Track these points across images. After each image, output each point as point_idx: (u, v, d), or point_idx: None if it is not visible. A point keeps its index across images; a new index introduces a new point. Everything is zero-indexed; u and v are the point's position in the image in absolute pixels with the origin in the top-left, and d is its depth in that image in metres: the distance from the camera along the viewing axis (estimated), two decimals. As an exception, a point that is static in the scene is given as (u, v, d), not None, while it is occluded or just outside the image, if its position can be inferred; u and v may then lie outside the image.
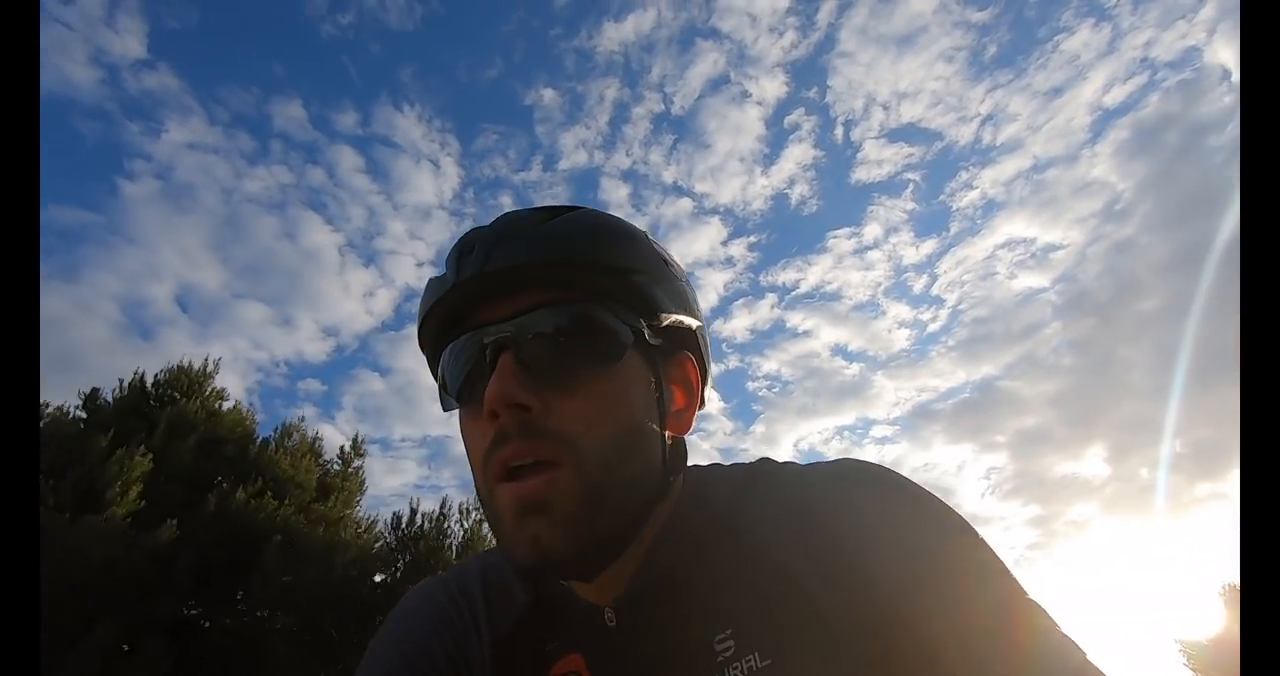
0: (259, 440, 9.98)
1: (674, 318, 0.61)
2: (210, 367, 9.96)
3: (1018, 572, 0.52)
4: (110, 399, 9.37)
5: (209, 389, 9.90)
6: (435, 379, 0.61)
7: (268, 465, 9.57)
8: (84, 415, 9.01)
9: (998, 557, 0.53)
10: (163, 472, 8.26)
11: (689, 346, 0.64)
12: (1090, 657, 0.46)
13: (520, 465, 0.52)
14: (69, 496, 7.17)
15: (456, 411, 0.60)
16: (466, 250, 0.56)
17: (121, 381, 9.51)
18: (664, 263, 0.62)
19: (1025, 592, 0.51)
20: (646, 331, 0.58)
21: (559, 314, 0.54)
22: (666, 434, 0.60)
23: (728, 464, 0.70)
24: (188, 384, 9.84)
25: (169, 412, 9.14)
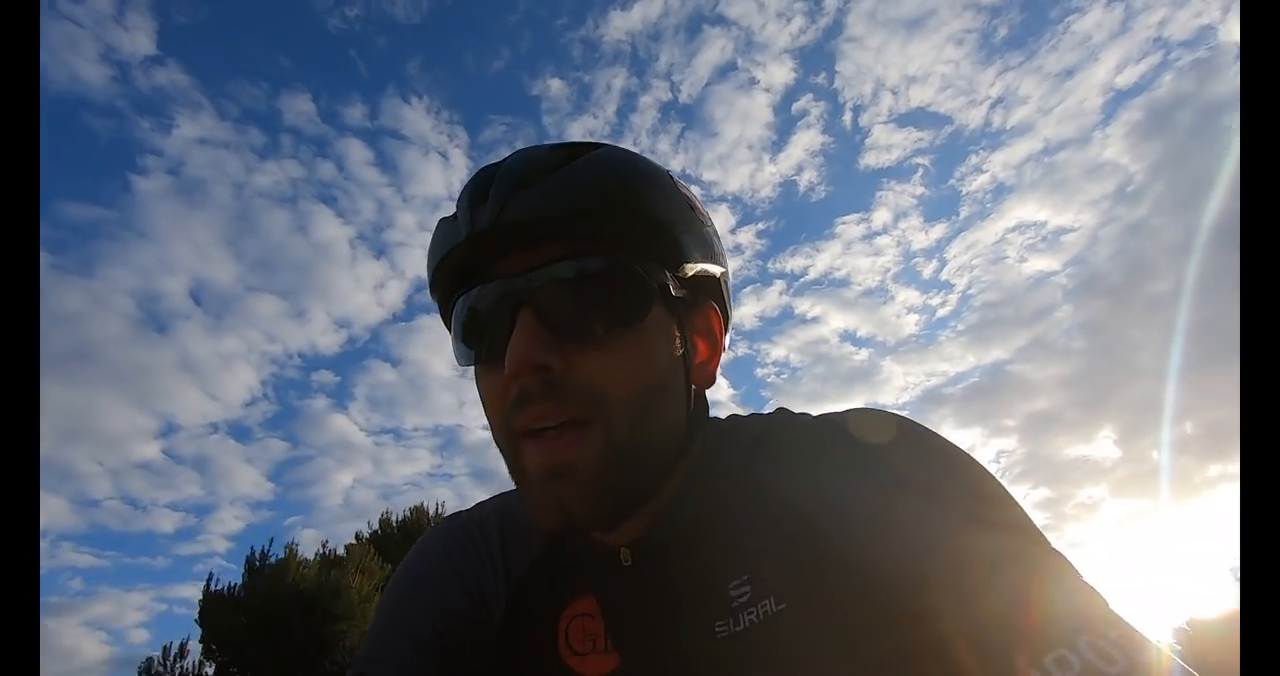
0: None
1: (699, 267, 0.58)
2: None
3: (1034, 517, 0.51)
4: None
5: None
6: (448, 327, 0.59)
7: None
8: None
9: (1014, 503, 0.52)
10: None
11: (713, 295, 0.62)
12: (1111, 609, 0.44)
13: (544, 427, 0.50)
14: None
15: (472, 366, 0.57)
16: (479, 197, 0.53)
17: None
18: (690, 208, 0.59)
19: (1044, 543, 0.49)
20: (672, 283, 0.56)
21: (581, 266, 0.52)
22: (692, 387, 0.58)
23: (745, 414, 0.69)
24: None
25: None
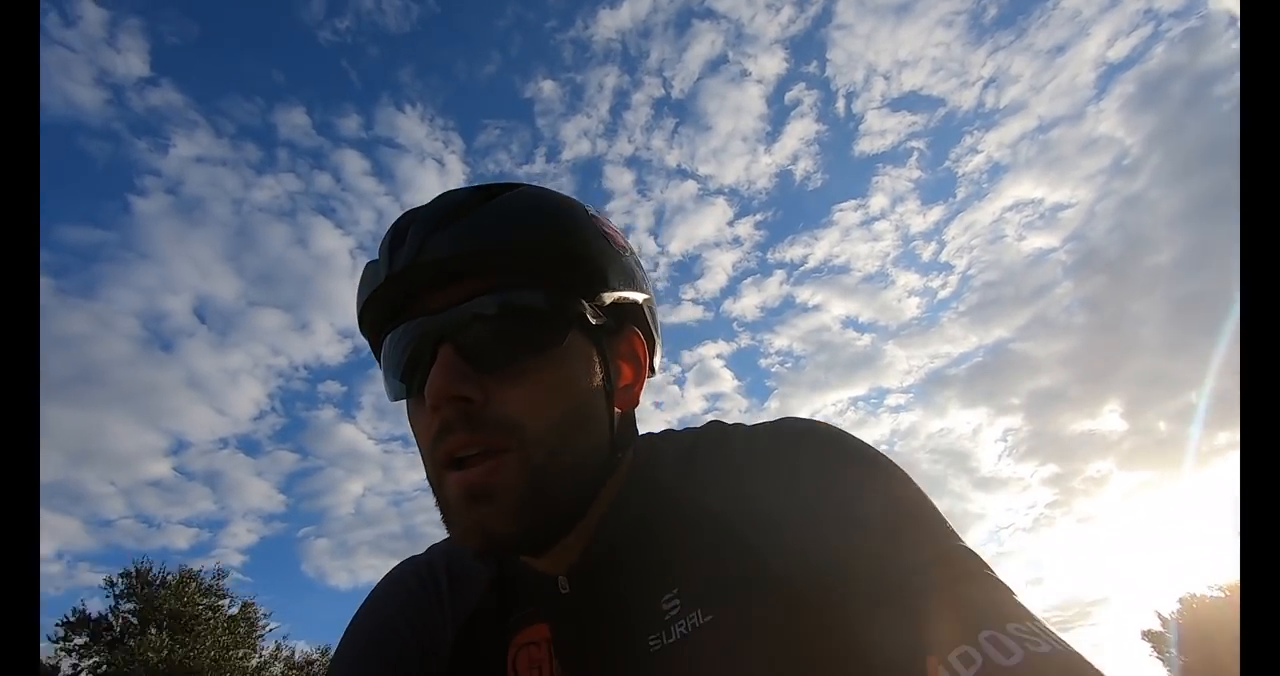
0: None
1: (618, 294, 0.60)
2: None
3: (960, 524, 0.53)
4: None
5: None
6: (379, 366, 0.61)
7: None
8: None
9: (933, 506, 0.54)
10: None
11: (635, 320, 0.64)
12: (1019, 603, 0.46)
13: (465, 455, 0.52)
14: None
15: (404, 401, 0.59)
16: (399, 239, 0.56)
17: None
18: (605, 239, 0.61)
19: (958, 538, 0.51)
20: (589, 311, 0.58)
21: (496, 302, 0.54)
22: (615, 411, 0.60)
23: (679, 430, 0.71)
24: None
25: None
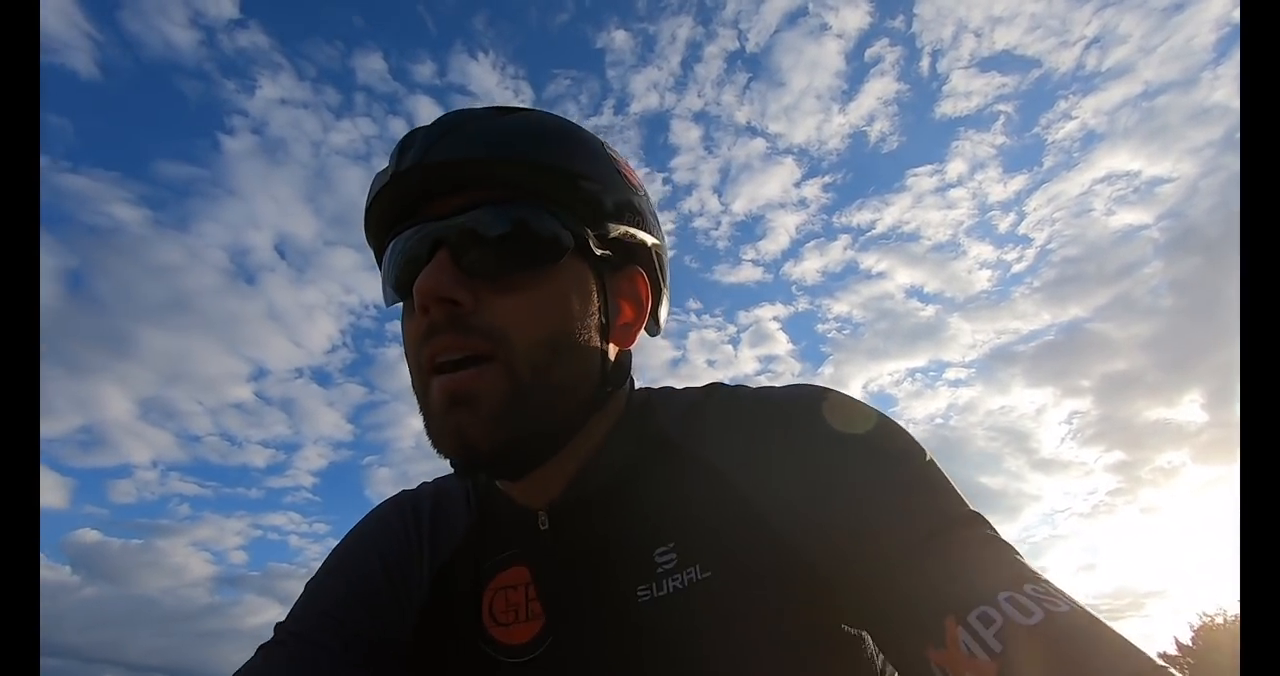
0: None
1: (624, 229, 0.60)
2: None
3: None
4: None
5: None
6: (380, 272, 0.61)
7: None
8: None
9: (940, 472, 0.54)
10: None
11: (641, 262, 0.64)
12: (1032, 569, 0.46)
13: (450, 360, 0.52)
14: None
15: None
16: (408, 144, 0.56)
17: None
18: (617, 172, 0.61)
19: (966, 504, 0.51)
20: (592, 239, 0.57)
21: (498, 213, 0.54)
22: (611, 347, 0.60)
23: (680, 387, 0.70)
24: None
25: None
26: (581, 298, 0.57)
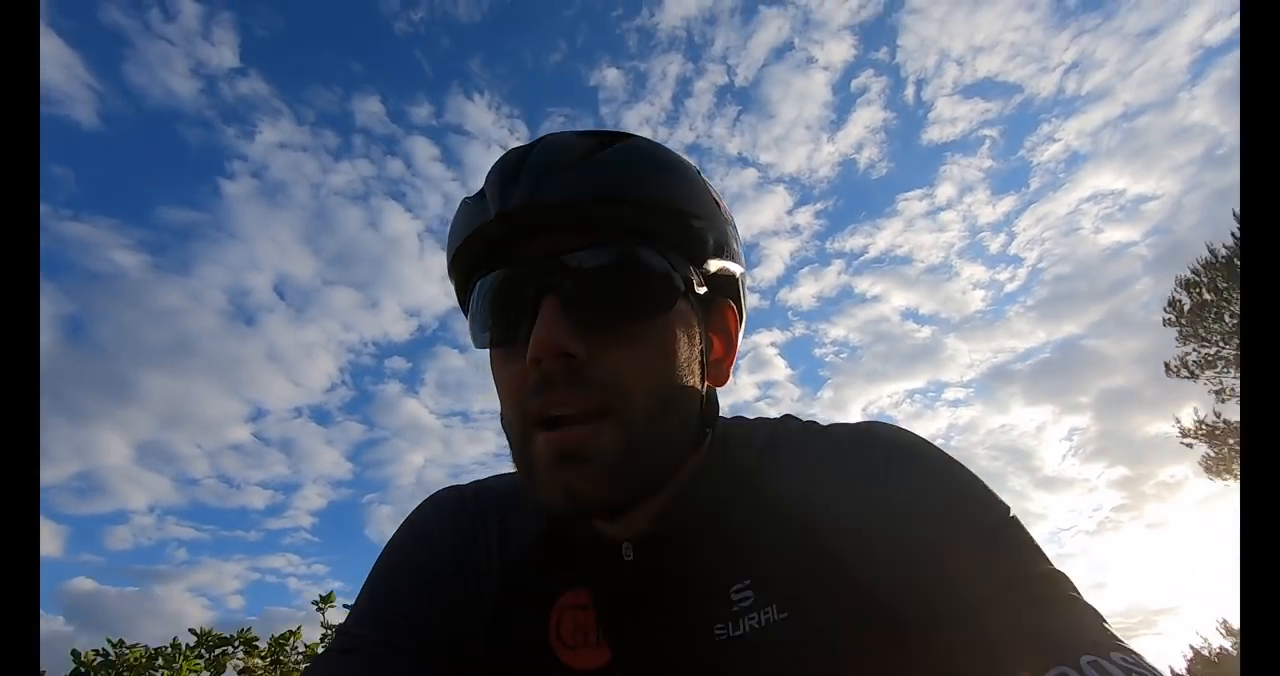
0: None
1: (722, 264, 0.58)
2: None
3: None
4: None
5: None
6: (463, 308, 0.58)
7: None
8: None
9: (1023, 528, 0.52)
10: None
11: (731, 293, 0.62)
12: (1110, 629, 0.45)
13: (562, 414, 0.49)
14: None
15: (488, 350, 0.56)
16: (510, 177, 0.52)
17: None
18: (715, 204, 0.58)
19: (1048, 562, 0.50)
20: (696, 278, 0.55)
21: (609, 255, 0.51)
22: (706, 385, 0.57)
23: (752, 418, 0.68)
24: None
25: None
26: (688, 341, 0.55)
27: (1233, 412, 10.60)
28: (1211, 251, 10.95)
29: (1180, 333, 11.05)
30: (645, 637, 0.57)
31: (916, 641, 0.49)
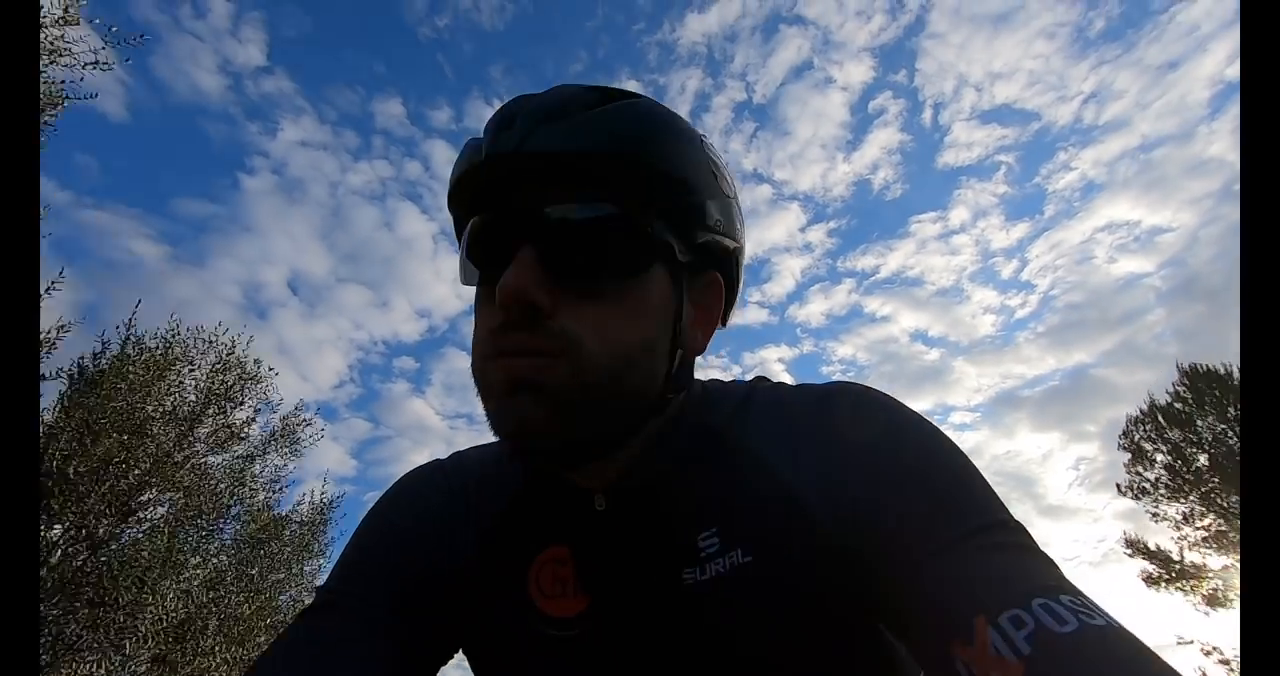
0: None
1: (713, 235, 0.58)
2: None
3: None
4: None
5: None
6: (458, 244, 0.59)
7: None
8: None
9: (982, 478, 0.54)
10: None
11: (721, 266, 0.62)
12: (1066, 577, 0.47)
13: (519, 350, 0.51)
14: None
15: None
16: (507, 122, 0.53)
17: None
18: (715, 175, 0.59)
19: (1005, 511, 0.51)
20: (679, 245, 0.56)
21: (590, 212, 0.52)
22: (678, 352, 0.58)
23: (727, 380, 0.70)
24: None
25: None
26: (661, 307, 0.55)
27: (1163, 538, 12.66)
28: (1152, 401, 13.23)
29: (1127, 462, 13.39)
30: (619, 585, 0.58)
31: (875, 583, 0.50)
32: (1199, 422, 12.29)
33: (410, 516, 0.66)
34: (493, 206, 0.55)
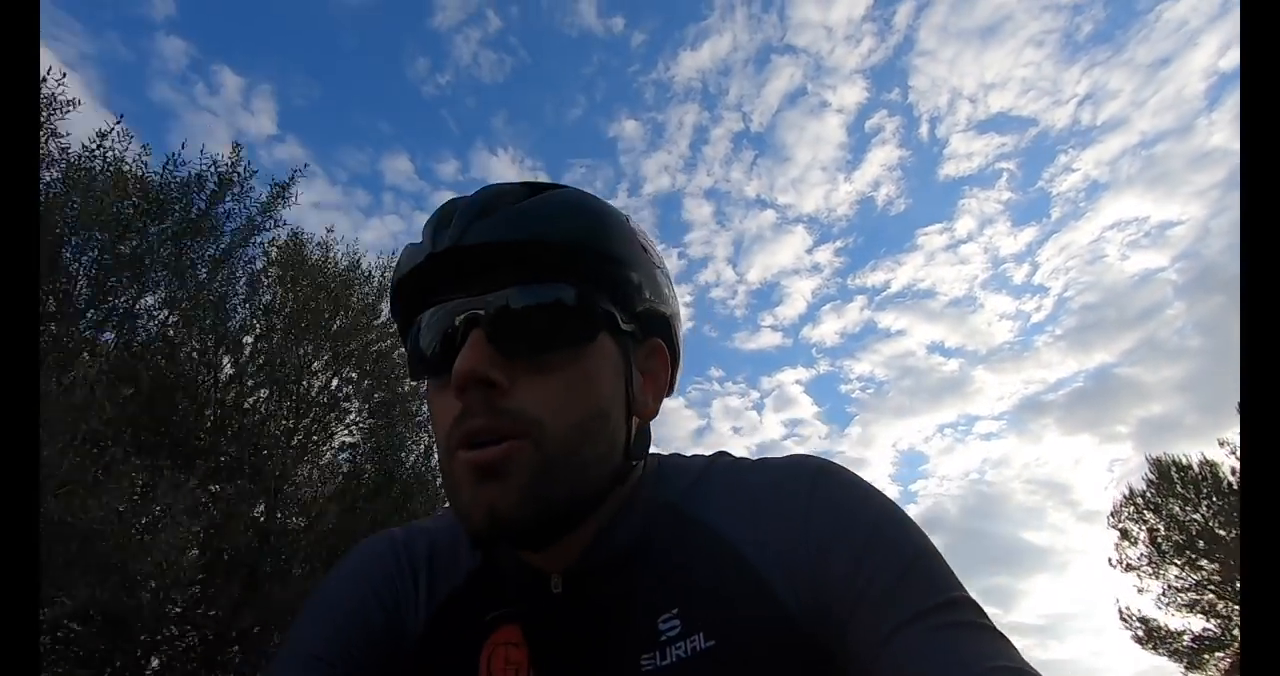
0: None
1: (648, 304, 0.61)
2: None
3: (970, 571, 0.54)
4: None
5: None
6: (405, 346, 0.61)
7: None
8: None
9: (939, 557, 0.55)
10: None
11: (661, 333, 0.65)
12: (1021, 657, 0.48)
13: (482, 439, 0.52)
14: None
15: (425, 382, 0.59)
16: (444, 222, 0.56)
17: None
18: (642, 249, 0.62)
19: (962, 590, 0.53)
20: (620, 316, 0.59)
21: (532, 293, 0.55)
22: (634, 420, 0.60)
23: (688, 455, 0.71)
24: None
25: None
26: (611, 375, 0.58)
27: (1147, 606, 14.70)
28: (1130, 489, 15.41)
29: (1116, 540, 15.38)
30: (574, 669, 0.58)
31: (837, 668, 0.52)
32: (1174, 507, 14.44)
33: (358, 594, 0.65)
34: (439, 300, 0.57)
